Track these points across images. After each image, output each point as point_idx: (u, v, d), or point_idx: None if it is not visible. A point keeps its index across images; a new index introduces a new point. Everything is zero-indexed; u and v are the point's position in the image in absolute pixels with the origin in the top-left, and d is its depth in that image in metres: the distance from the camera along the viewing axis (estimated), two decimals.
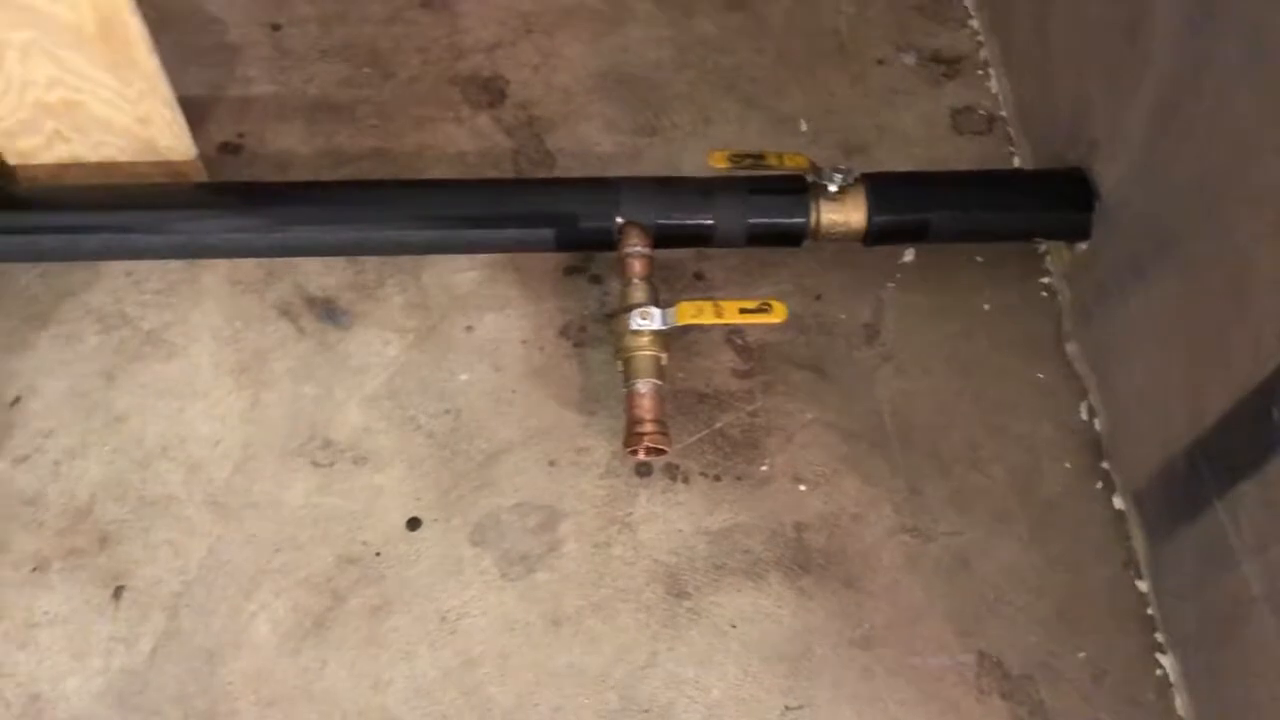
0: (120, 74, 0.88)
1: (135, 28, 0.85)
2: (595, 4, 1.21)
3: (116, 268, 1.00)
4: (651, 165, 1.09)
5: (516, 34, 1.18)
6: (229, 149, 1.08)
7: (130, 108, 0.91)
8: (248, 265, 1.01)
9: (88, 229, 0.93)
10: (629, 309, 0.91)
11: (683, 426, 0.95)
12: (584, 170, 1.08)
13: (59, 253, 0.95)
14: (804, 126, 1.13)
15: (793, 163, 0.95)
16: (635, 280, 0.93)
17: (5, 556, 0.88)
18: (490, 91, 1.14)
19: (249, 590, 0.88)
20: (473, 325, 1.01)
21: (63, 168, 0.96)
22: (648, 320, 0.89)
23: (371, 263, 1.03)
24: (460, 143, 1.11)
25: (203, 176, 1.00)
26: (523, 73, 1.16)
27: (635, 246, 0.94)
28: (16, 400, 0.95)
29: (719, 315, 0.90)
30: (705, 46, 1.18)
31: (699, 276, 1.04)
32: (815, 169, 0.95)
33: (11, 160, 0.94)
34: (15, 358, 0.97)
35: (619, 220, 0.94)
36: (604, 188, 0.96)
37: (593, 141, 1.12)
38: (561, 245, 0.96)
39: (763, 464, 0.95)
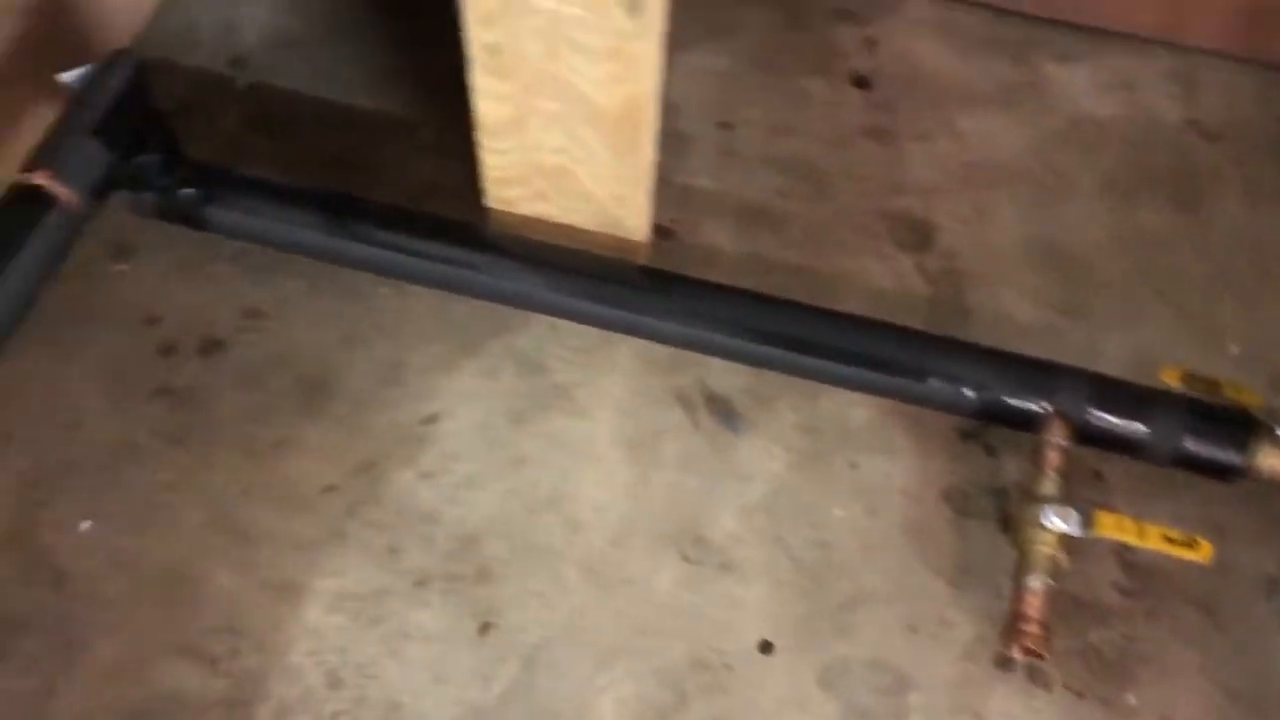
0: (621, 156, 0.94)
1: (650, 120, 0.91)
2: (1040, 172, 1.20)
3: (544, 318, 1.06)
4: (1068, 348, 1.06)
5: (956, 183, 1.18)
6: (662, 232, 1.13)
7: (614, 186, 0.97)
8: (659, 348, 1.05)
9: (539, 285, 1.00)
10: (1040, 500, 0.89)
11: (1053, 629, 0.92)
12: (996, 336, 1.06)
13: (507, 298, 1.01)
14: (1233, 349, 1.08)
15: (1247, 400, 0.91)
16: (1050, 472, 0.91)
17: (396, 564, 0.94)
18: (918, 234, 1.15)
19: (603, 664, 0.90)
20: (857, 463, 1.01)
21: (529, 220, 1.02)
22: (1064, 521, 0.87)
23: (773, 374, 1.04)
24: (878, 279, 1.12)
25: (644, 257, 1.05)
26: (954, 223, 1.16)
27: (1058, 438, 0.92)
28: (434, 418, 1.02)
29: (1140, 537, 0.87)
30: (1144, 240, 1.15)
31: (1098, 476, 1.00)
32: (1270, 413, 0.90)
33: (491, 204, 1.02)
34: (441, 378, 1.04)
35: (1049, 407, 0.92)
36: (1041, 370, 0.94)
37: (1011, 308, 1.10)
38: (978, 414, 0.95)
39: (1130, 694, 0.90)
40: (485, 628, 0.92)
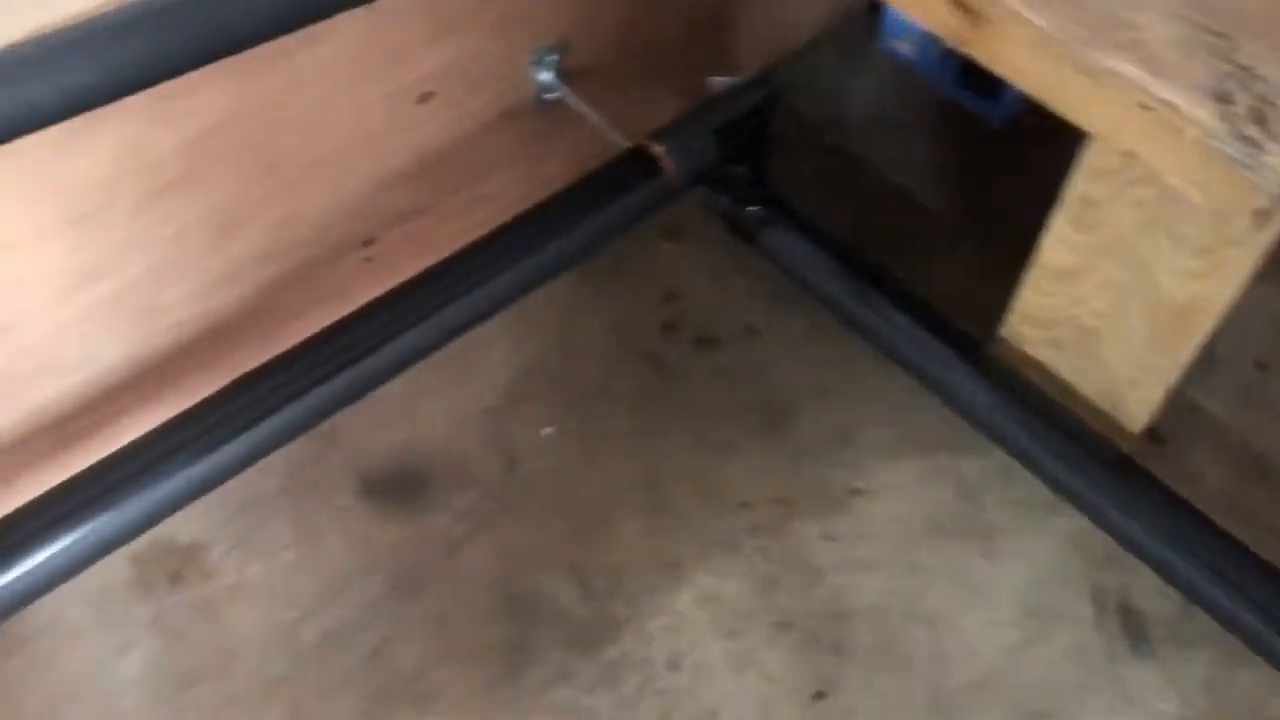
0: (1159, 346, 0.93)
1: (1207, 326, 0.90)
2: None
3: (1003, 456, 1.06)
4: None
5: None
6: (1152, 435, 1.10)
7: (1135, 369, 0.96)
8: (1100, 537, 1.02)
9: (1016, 426, 1.01)
10: None
11: None
12: None
13: (979, 421, 1.03)
14: None
15: None
16: None
17: (768, 596, 1.00)
18: None
19: None
20: None
21: (1033, 362, 1.04)
22: None
23: (1205, 617, 0.98)
24: None
25: (1126, 445, 1.03)
26: None
27: None
28: (860, 492, 1.06)
29: None
30: None
31: None
32: None
33: (1004, 333, 1.05)
34: (883, 462, 1.08)
35: None
36: None
37: None
38: None
39: None
40: (819, 695, 0.95)
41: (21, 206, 0.82)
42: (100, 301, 0.91)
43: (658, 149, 1.03)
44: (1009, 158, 1.31)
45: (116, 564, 0.99)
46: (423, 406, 1.11)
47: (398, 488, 1.06)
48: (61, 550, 0.88)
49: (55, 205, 0.83)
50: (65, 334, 0.90)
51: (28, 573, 0.87)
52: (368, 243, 1.07)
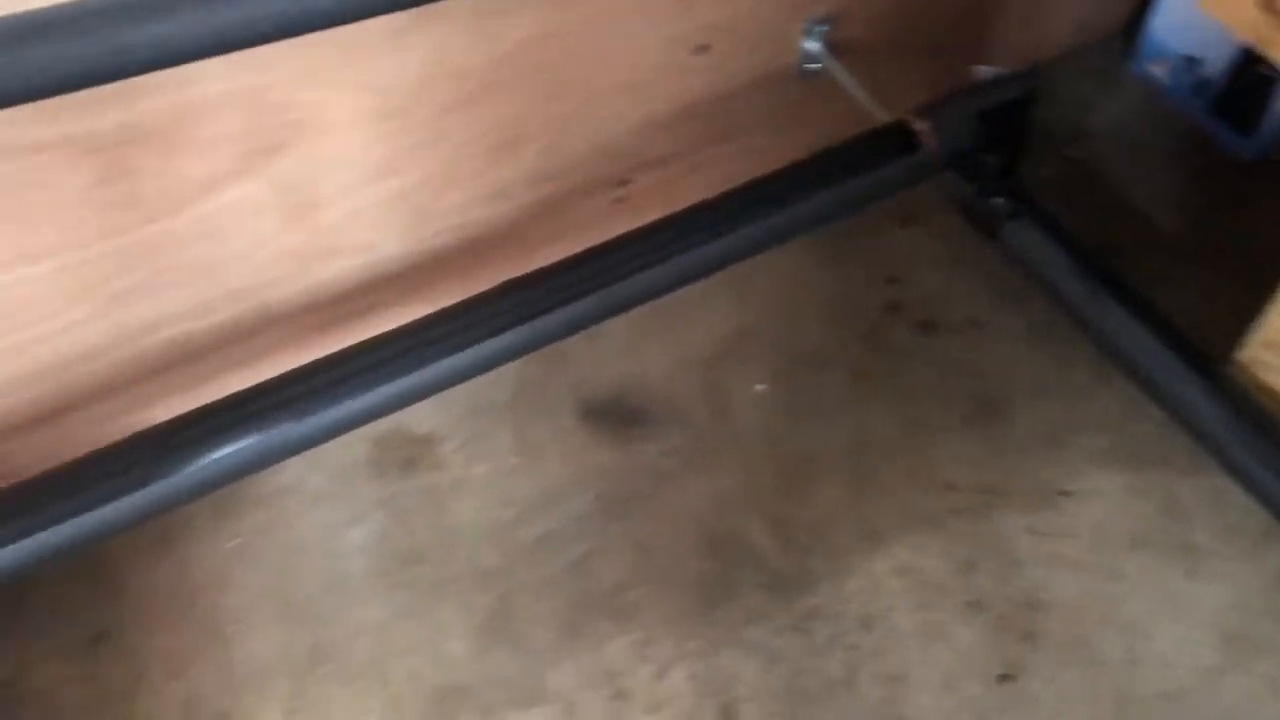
0: None
1: None
2: None
3: (1219, 478, 1.03)
4: None
5: None
6: None
7: None
8: None
9: (1245, 446, 0.99)
10: None
11: None
12: None
13: (1205, 439, 1.01)
14: None
15: None
16: None
17: (964, 576, 1.01)
18: None
19: None
20: None
21: (1265, 388, 1.02)
22: None
23: None
24: None
25: None
26: None
27: None
28: (1068, 494, 1.06)
29: None
30: None
31: None
32: None
33: (1240, 356, 1.03)
34: (1093, 468, 1.07)
35: None
36: None
37: None
38: None
39: None
40: (1005, 678, 0.96)
41: (343, 94, 0.89)
42: (389, 196, 0.98)
43: (921, 125, 1.05)
44: (1256, 191, 1.29)
45: (357, 444, 1.07)
46: (645, 347, 1.15)
47: (615, 417, 1.11)
48: (312, 419, 0.95)
49: (370, 99, 0.91)
50: (355, 221, 0.98)
51: (279, 433, 0.95)
52: (622, 183, 1.13)
